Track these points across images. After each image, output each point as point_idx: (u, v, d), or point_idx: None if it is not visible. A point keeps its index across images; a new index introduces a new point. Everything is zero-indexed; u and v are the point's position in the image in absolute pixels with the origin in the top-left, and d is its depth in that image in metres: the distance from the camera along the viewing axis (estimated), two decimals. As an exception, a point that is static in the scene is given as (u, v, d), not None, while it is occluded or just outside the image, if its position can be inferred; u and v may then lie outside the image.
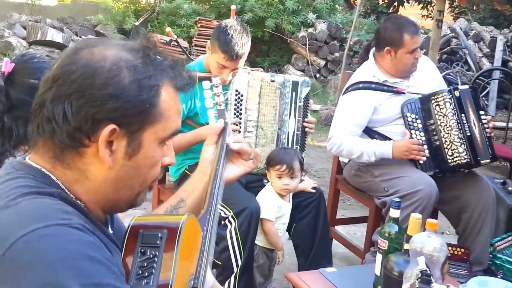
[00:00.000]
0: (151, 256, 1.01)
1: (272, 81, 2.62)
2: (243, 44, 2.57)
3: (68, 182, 1.02)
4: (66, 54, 1.03)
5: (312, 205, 2.72)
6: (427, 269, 1.46)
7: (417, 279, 1.46)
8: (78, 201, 1.02)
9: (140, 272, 1.00)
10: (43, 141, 1.02)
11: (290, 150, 2.60)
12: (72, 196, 1.02)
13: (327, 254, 2.75)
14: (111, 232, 1.13)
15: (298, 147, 2.73)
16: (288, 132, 2.69)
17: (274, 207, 2.54)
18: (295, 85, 2.68)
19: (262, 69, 2.77)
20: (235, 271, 2.45)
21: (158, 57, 1.06)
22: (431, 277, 1.41)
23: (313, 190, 2.71)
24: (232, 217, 2.45)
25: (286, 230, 2.77)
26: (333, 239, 3.17)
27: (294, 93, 2.67)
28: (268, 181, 2.61)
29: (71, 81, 0.98)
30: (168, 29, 4.74)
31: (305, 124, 2.73)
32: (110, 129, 0.99)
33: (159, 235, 1.03)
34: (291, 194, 2.64)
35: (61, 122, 0.98)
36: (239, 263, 2.44)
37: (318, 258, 2.67)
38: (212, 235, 1.26)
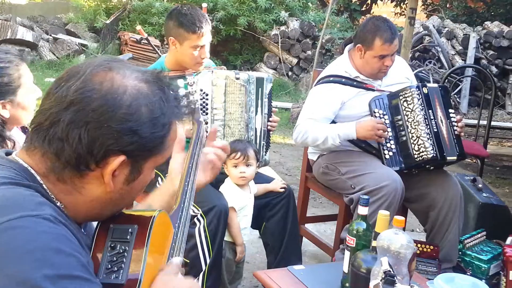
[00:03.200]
0: (121, 251, 1.03)
1: (237, 78, 2.59)
2: (201, 15, 2.57)
3: (55, 190, 1.04)
4: (84, 76, 1.03)
5: (282, 204, 2.72)
6: (391, 270, 1.44)
7: (381, 280, 1.45)
8: (57, 201, 1.04)
9: (110, 266, 1.01)
10: (45, 152, 1.03)
11: (243, 140, 2.61)
12: (52, 196, 1.03)
13: (296, 252, 2.74)
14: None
15: (264, 143, 2.71)
16: (255, 129, 2.67)
17: (235, 196, 2.54)
18: (259, 81, 2.66)
19: (225, 67, 2.73)
20: (203, 269, 2.42)
21: (169, 91, 1.10)
22: (395, 277, 1.39)
23: (282, 190, 2.70)
24: (201, 215, 2.43)
25: (256, 229, 2.76)
26: (303, 237, 3.15)
27: (259, 89, 2.66)
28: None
29: (91, 109, 1.00)
30: (138, 27, 4.67)
31: (269, 123, 2.73)
32: (120, 160, 1.03)
33: (130, 230, 1.06)
34: (253, 186, 2.62)
35: (74, 145, 1.00)
36: (208, 261, 2.42)
37: (288, 256, 2.66)
38: (185, 232, 1.27)
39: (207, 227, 2.41)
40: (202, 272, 2.42)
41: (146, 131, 1.04)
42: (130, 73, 1.07)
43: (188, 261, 2.43)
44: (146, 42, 4.98)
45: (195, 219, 2.44)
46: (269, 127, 2.76)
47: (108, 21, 8.99)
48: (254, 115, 2.66)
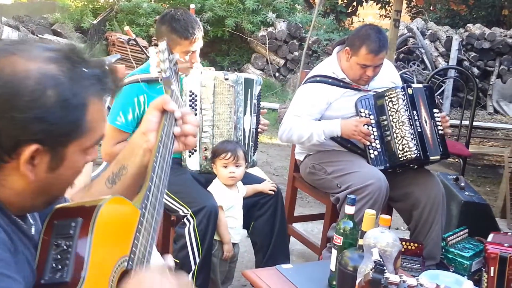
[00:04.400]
0: (65, 248, 0.99)
1: (226, 79, 2.63)
2: (194, 21, 2.57)
3: None
4: None
5: (270, 203, 2.75)
6: (381, 259, 1.49)
7: (371, 270, 1.49)
8: None
9: (55, 265, 0.98)
10: None
11: (232, 141, 2.64)
12: None
13: (284, 251, 2.77)
14: (33, 223, 1.10)
15: (252, 144, 2.75)
16: (244, 129, 2.71)
17: (223, 196, 2.57)
18: (248, 82, 2.70)
19: (213, 68, 2.77)
20: (192, 269, 2.45)
21: (84, 68, 1.02)
22: (385, 267, 1.44)
23: (272, 192, 2.73)
24: (190, 215, 2.46)
25: (245, 228, 2.79)
26: (291, 236, 3.20)
27: (248, 90, 2.70)
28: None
29: None
30: (126, 28, 4.68)
31: (260, 126, 2.77)
32: (33, 149, 0.97)
33: (73, 224, 1.00)
34: (241, 187, 2.66)
35: None
36: (197, 261, 2.45)
37: (276, 255, 2.69)
38: (156, 213, 1.19)
39: (196, 227, 2.44)
40: (191, 272, 2.45)
41: (55, 117, 0.96)
42: (38, 55, 0.99)
43: (178, 261, 2.46)
44: (134, 43, 4.99)
45: (185, 219, 2.47)
46: (259, 130, 2.80)
47: (95, 22, 8.95)
48: (243, 115, 2.70)
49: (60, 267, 0.97)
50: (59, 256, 0.98)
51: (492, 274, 2.68)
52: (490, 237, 2.85)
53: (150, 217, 1.16)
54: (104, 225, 1.02)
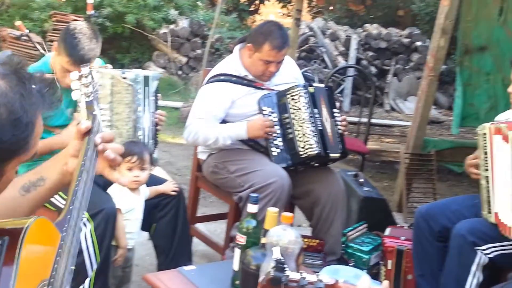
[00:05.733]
0: None
1: (124, 78, 2.53)
2: (90, 50, 2.45)
3: None
4: None
5: (172, 204, 2.71)
6: (282, 258, 1.47)
7: (272, 268, 1.47)
8: None
9: None
10: None
11: (139, 142, 2.56)
12: None
13: (187, 252, 2.74)
14: None
15: (153, 142, 2.68)
16: (144, 128, 2.63)
17: (124, 199, 2.50)
18: (147, 79, 2.62)
19: (112, 66, 2.67)
20: (89, 275, 2.34)
21: (32, 84, 1.00)
22: (285, 265, 1.43)
23: (174, 193, 2.68)
24: (88, 219, 2.35)
25: (146, 230, 2.72)
26: (194, 237, 3.15)
27: (146, 88, 2.62)
28: None
29: None
30: (18, 22, 4.44)
31: (157, 117, 2.69)
32: None
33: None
34: (143, 189, 2.59)
35: None
36: (94, 267, 2.34)
37: (178, 257, 2.65)
38: (76, 234, 1.20)
39: (94, 231, 2.34)
40: (88, 279, 2.35)
41: (7, 135, 0.95)
42: None
43: (73, 267, 2.34)
44: (26, 38, 4.74)
45: (81, 223, 2.36)
46: (157, 121, 2.71)
47: (-16, 16, 8.42)
48: (142, 114, 2.62)
49: None
50: None
51: (389, 267, 2.77)
52: (387, 231, 2.96)
53: (69, 240, 1.17)
54: (29, 248, 1.00)
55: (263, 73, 2.85)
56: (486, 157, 2.37)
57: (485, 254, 2.33)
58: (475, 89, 4.35)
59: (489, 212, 2.35)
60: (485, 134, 2.37)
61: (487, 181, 2.36)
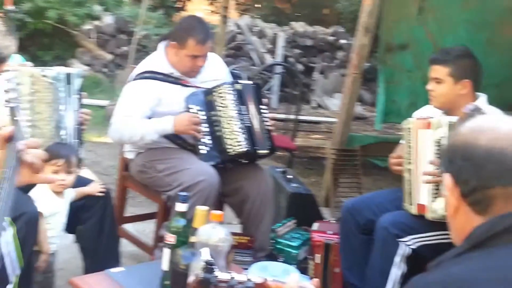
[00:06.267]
0: None
1: (44, 76, 2.44)
2: (4, 47, 2.34)
3: None
4: None
5: (99, 205, 2.65)
6: (211, 258, 1.48)
7: (201, 270, 1.48)
8: None
9: None
10: None
11: (66, 144, 2.49)
12: None
13: (114, 254, 2.69)
14: None
15: (78, 141, 2.61)
16: (67, 128, 2.55)
17: (47, 202, 2.42)
18: (69, 77, 2.54)
19: (32, 64, 2.57)
20: (12, 281, 2.25)
21: None
22: (214, 266, 1.44)
23: (101, 194, 2.61)
24: (9, 223, 2.25)
25: (71, 233, 2.64)
26: (122, 238, 3.09)
27: (69, 86, 2.54)
28: None
29: None
30: None
31: (82, 116, 2.62)
32: None
33: None
34: (68, 191, 2.53)
35: None
36: (17, 272, 2.25)
37: (106, 259, 2.59)
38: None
39: (16, 235, 2.25)
40: (11, 284, 2.26)
41: None
42: None
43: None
44: None
45: (1, 229, 2.27)
46: (81, 120, 2.64)
47: None
48: (65, 113, 2.54)
49: None
50: None
51: (318, 261, 2.83)
52: (315, 226, 3.02)
53: None
54: None
55: (191, 68, 2.84)
56: (409, 151, 2.47)
57: (408, 245, 2.41)
58: (396, 86, 4.50)
59: (411, 204, 2.45)
60: (409, 128, 2.47)
61: (410, 174, 2.46)
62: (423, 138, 2.40)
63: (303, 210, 3.35)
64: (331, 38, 9.22)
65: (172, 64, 2.87)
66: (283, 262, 2.81)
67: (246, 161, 2.92)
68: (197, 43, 2.76)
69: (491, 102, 2.68)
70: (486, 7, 4.35)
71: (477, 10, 4.35)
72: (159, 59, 2.90)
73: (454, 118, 2.34)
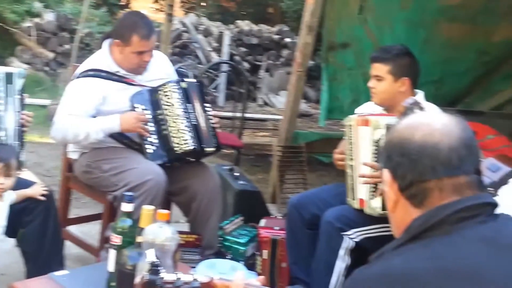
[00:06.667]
0: None
1: None
2: None
3: None
4: None
5: (41, 207, 2.57)
6: (157, 259, 1.49)
7: (147, 271, 1.49)
8: None
9: None
10: None
11: (5, 146, 2.42)
12: None
13: (58, 257, 2.62)
14: None
15: (18, 143, 2.54)
16: (7, 129, 2.49)
17: None
18: (9, 76, 2.48)
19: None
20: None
21: None
22: (160, 267, 1.44)
23: (43, 198, 2.55)
24: None
25: (12, 237, 2.57)
26: (67, 240, 3.03)
27: (8, 85, 2.47)
28: None
29: None
30: None
31: (23, 117, 2.56)
32: None
33: None
34: (7, 194, 2.45)
35: None
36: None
37: (48, 262, 2.52)
38: None
39: None
40: None
41: None
42: None
43: None
44: None
45: None
46: (23, 122, 2.57)
47: None
48: (5, 114, 2.47)
49: None
50: None
51: (265, 257, 2.86)
52: (262, 222, 3.05)
53: None
54: None
55: (138, 65, 2.81)
56: (351, 147, 2.53)
57: (351, 238, 2.48)
58: (339, 84, 4.60)
59: (353, 198, 2.52)
60: (350, 125, 2.53)
61: (352, 170, 2.52)
62: (362, 135, 2.47)
63: (250, 207, 3.38)
64: (276, 36, 9.30)
65: (117, 62, 2.83)
66: (231, 259, 2.84)
67: (193, 159, 2.92)
68: (141, 39, 2.73)
69: (430, 98, 2.78)
70: (422, 7, 4.50)
71: (414, 10, 4.51)
72: (104, 57, 2.86)
73: (392, 120, 2.40)
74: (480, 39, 4.89)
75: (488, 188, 2.31)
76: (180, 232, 2.78)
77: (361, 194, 2.47)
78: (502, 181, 2.36)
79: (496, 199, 1.17)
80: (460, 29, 4.73)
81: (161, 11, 12.21)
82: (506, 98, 5.41)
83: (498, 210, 1.15)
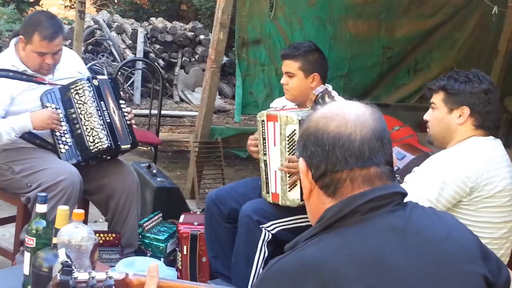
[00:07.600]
0: None
1: None
2: None
3: None
4: None
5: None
6: (68, 260, 1.46)
7: (59, 272, 1.46)
8: None
9: None
10: None
11: None
12: None
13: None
14: None
15: None
16: None
17: None
18: None
19: None
20: None
21: None
22: (72, 267, 1.42)
23: None
24: None
25: None
26: (-21, 246, 2.93)
27: None
28: None
29: None
30: None
31: None
32: None
33: None
34: None
35: None
36: None
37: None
38: None
39: None
40: None
41: None
42: None
43: None
44: None
45: None
46: None
47: None
48: None
49: None
50: None
51: (185, 252, 2.90)
52: (181, 218, 3.08)
53: None
54: None
55: (40, 66, 2.74)
56: (264, 142, 2.59)
57: (268, 230, 2.55)
58: (253, 79, 4.69)
59: (267, 192, 2.59)
60: (263, 120, 2.59)
61: (265, 164, 2.59)
62: (273, 130, 2.53)
63: (169, 203, 3.39)
64: (190, 33, 9.28)
65: (23, 60, 2.76)
66: (151, 256, 2.85)
67: (109, 157, 2.90)
68: (42, 39, 2.66)
69: (340, 92, 2.90)
70: (330, 4, 4.69)
71: (321, 7, 4.68)
72: (10, 55, 2.77)
73: (304, 113, 2.47)
74: (384, 35, 5.16)
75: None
76: (99, 232, 2.77)
77: (275, 188, 2.54)
78: (407, 168, 2.48)
79: (403, 185, 1.22)
80: (365, 26, 4.97)
81: (72, 8, 11.87)
82: (410, 91, 5.74)
83: (406, 199, 1.19)
